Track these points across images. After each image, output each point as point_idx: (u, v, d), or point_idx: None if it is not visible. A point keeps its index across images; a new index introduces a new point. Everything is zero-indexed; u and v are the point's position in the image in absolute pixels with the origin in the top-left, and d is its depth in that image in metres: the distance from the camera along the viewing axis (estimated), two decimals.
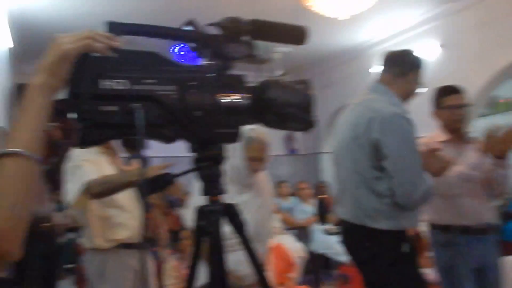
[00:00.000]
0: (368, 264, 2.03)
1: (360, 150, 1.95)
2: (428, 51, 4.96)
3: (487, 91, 4.75)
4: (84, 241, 2.29)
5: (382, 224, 1.92)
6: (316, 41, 5.30)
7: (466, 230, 2.35)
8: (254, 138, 1.99)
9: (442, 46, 4.93)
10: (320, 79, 6.29)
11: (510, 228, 4.81)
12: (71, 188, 2.14)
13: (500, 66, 4.43)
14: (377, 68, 4.99)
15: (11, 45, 4.26)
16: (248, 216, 2.08)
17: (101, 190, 2.06)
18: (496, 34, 4.41)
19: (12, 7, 4.14)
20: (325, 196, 5.86)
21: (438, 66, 4.86)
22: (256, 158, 2.00)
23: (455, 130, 2.49)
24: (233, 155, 1.94)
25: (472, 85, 4.24)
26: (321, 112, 4.94)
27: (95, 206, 2.21)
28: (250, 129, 1.98)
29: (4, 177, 0.74)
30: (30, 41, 5.00)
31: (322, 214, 5.59)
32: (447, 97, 2.47)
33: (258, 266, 0.99)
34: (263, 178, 2.20)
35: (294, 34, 1.04)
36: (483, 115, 5.76)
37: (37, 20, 4.54)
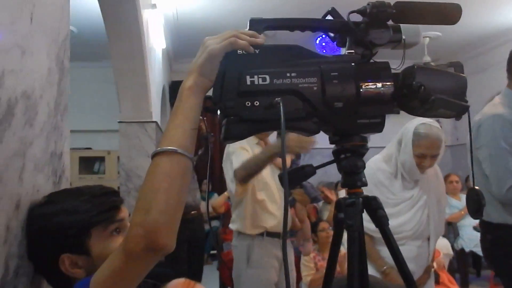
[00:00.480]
0: (489, 256, 2.23)
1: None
2: None
3: None
4: (234, 226, 2.46)
5: (493, 218, 2.08)
6: (468, 22, 5.02)
7: None
8: (422, 135, 1.96)
9: None
10: (474, 63, 5.86)
11: None
12: (229, 175, 2.33)
13: None
14: None
15: (165, 45, 4.68)
16: (411, 212, 2.02)
17: (245, 173, 2.19)
18: None
19: (166, 11, 4.55)
20: None
21: None
22: (424, 155, 1.98)
23: None
24: (404, 151, 2.00)
25: None
26: (475, 98, 4.65)
27: (250, 190, 2.36)
28: (421, 124, 1.97)
29: (160, 174, 0.79)
30: (182, 41, 5.47)
31: None
32: None
33: (400, 262, 0.93)
34: (433, 174, 2.17)
35: (444, 13, 0.95)
36: None
37: (187, 21, 4.91)
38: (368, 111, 0.91)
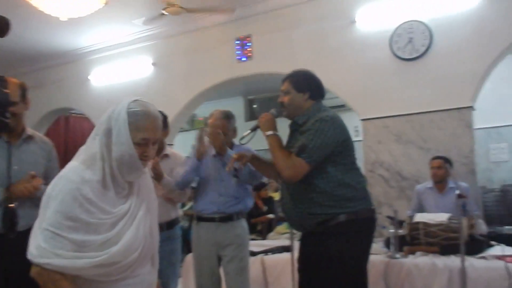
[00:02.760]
0: None
1: None
2: (142, 67, 5.81)
3: (189, 109, 5.89)
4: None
5: None
6: (30, 38, 5.59)
7: None
8: (140, 113, 1.47)
9: (154, 64, 5.80)
10: (32, 78, 6.10)
11: None
12: None
13: (201, 89, 5.55)
14: (94, 75, 5.80)
15: None
16: (133, 229, 1.47)
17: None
18: (201, 61, 5.49)
19: None
20: None
21: (149, 82, 5.84)
22: (147, 141, 1.49)
23: None
24: (118, 142, 1.44)
25: (177, 103, 5.56)
26: (33, 112, 5.76)
27: None
28: (133, 102, 1.50)
29: None
30: None
31: None
32: None
33: None
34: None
35: None
36: (184, 130, 7.34)
37: None
38: None
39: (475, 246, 3.39)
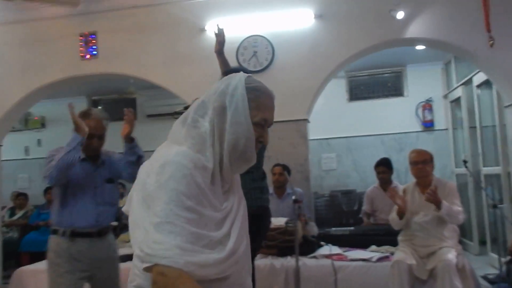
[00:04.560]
0: None
1: None
2: None
3: (23, 106, 5.33)
4: None
5: None
6: None
7: None
8: (262, 90, 1.31)
9: None
10: None
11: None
12: None
13: (38, 85, 5.02)
14: None
15: None
16: (236, 229, 1.28)
17: None
18: (40, 55, 5.02)
19: None
20: None
21: None
22: (266, 123, 1.30)
23: None
24: (235, 122, 1.23)
25: (9, 98, 5.02)
26: None
27: None
28: (249, 77, 1.31)
29: None
30: None
31: None
32: None
33: None
34: None
35: None
36: (16, 130, 6.75)
37: None
38: None
39: (308, 247, 3.72)
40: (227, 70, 2.68)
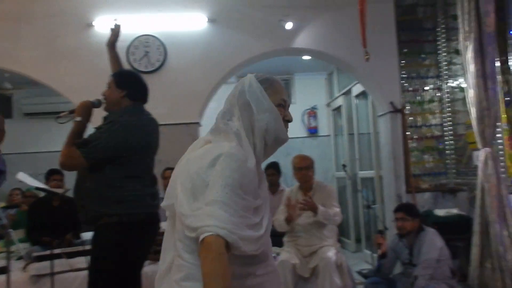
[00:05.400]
0: None
1: None
2: None
3: None
4: None
5: None
6: None
7: None
8: (271, 79, 1.48)
9: None
10: None
11: None
12: None
13: None
14: None
15: None
16: (267, 216, 1.41)
17: None
18: None
19: None
20: None
21: None
22: (285, 104, 1.48)
23: None
24: (262, 110, 1.39)
25: None
26: None
27: None
28: (255, 74, 1.47)
29: None
30: None
31: None
32: None
33: None
34: None
35: None
36: None
37: None
38: None
39: None
40: (119, 72, 2.58)
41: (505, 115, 3.92)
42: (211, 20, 4.64)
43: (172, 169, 4.61)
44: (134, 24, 4.57)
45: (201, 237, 1.18)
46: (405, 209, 3.48)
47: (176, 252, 1.30)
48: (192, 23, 4.65)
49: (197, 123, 4.66)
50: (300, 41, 4.73)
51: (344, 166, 5.23)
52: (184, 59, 4.62)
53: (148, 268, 3.41)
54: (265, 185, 1.47)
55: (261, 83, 1.40)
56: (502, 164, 3.89)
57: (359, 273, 4.42)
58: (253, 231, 1.26)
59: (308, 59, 5.90)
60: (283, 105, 1.43)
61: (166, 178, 4.21)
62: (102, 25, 4.51)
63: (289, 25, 4.63)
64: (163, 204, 1.41)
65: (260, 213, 1.33)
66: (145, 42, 4.58)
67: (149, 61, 4.58)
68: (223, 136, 1.36)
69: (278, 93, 1.42)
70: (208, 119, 5.11)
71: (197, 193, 1.26)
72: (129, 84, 2.41)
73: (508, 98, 3.89)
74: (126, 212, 2.25)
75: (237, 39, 4.68)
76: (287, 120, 1.45)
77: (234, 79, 6.76)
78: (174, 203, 1.32)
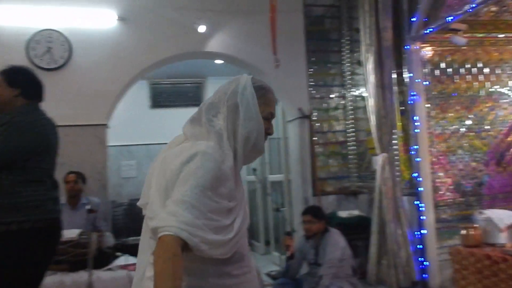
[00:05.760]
0: None
1: None
2: None
3: None
4: None
5: None
6: None
7: None
8: (267, 88, 1.46)
9: None
10: None
11: None
12: None
13: None
14: None
15: None
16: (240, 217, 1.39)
17: None
18: None
19: None
20: None
21: None
22: (271, 117, 1.48)
23: None
24: (248, 117, 1.37)
25: None
26: None
27: None
28: (252, 77, 1.45)
29: None
30: None
31: None
32: None
33: None
34: None
35: None
36: None
37: None
38: None
39: (103, 259, 3.54)
40: (10, 68, 2.35)
41: (401, 123, 4.26)
42: (122, 18, 4.49)
43: (75, 172, 4.38)
44: (37, 17, 4.27)
45: (160, 234, 1.16)
46: (311, 212, 3.64)
47: (150, 250, 1.26)
48: (100, 20, 4.45)
49: (105, 125, 4.46)
50: (213, 45, 4.75)
51: (254, 170, 5.33)
52: (91, 57, 4.41)
53: (50, 279, 3.19)
54: (242, 188, 1.44)
55: (255, 90, 1.37)
56: (397, 168, 4.22)
57: (268, 275, 4.53)
58: (222, 234, 1.24)
59: (221, 63, 5.94)
60: (269, 118, 1.41)
61: (68, 183, 3.97)
62: (1, 16, 4.16)
63: (202, 28, 4.62)
64: (139, 203, 1.37)
65: (232, 215, 1.31)
66: (48, 37, 4.29)
67: (52, 58, 4.30)
68: (204, 131, 1.33)
69: (268, 105, 1.40)
70: (117, 121, 4.94)
71: (170, 192, 1.23)
72: (22, 82, 2.23)
73: (403, 108, 4.24)
74: (26, 219, 2.10)
75: (149, 39, 4.57)
76: (268, 133, 1.42)
77: (146, 80, 6.61)
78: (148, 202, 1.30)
